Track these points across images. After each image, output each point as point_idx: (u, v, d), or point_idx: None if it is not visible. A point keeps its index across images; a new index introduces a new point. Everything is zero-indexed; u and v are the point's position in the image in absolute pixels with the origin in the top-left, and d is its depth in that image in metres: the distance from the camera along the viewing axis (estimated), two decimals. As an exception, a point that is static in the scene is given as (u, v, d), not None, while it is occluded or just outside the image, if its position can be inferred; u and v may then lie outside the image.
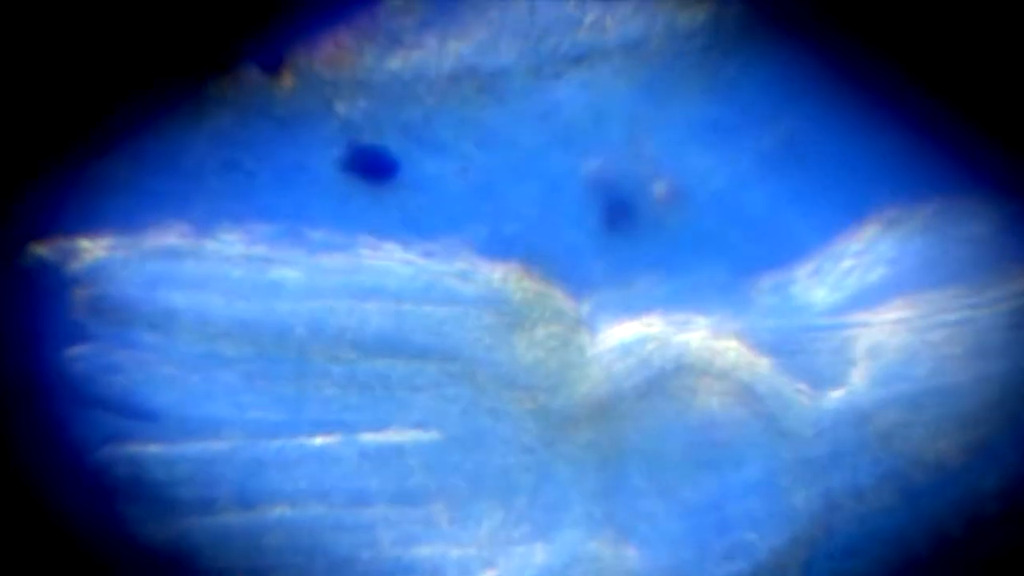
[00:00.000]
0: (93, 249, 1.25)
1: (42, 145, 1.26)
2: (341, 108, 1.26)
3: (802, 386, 1.26)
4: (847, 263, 1.28)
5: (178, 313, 1.24)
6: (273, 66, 1.26)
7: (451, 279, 1.26)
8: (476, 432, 1.26)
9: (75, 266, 1.25)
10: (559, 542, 1.26)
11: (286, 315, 1.25)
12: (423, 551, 1.25)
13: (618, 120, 1.27)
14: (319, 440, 1.25)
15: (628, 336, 1.27)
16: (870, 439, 1.25)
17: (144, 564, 1.23)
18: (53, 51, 1.27)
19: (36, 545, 1.25)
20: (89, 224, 1.25)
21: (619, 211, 1.28)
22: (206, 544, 1.24)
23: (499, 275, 1.27)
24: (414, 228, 1.27)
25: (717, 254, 1.28)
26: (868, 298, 1.27)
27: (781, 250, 1.28)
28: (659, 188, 1.27)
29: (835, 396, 1.26)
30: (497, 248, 1.27)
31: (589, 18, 1.26)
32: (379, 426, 1.25)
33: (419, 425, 1.26)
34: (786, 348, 1.27)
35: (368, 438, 1.25)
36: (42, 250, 1.25)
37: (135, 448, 1.24)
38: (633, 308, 1.28)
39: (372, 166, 1.27)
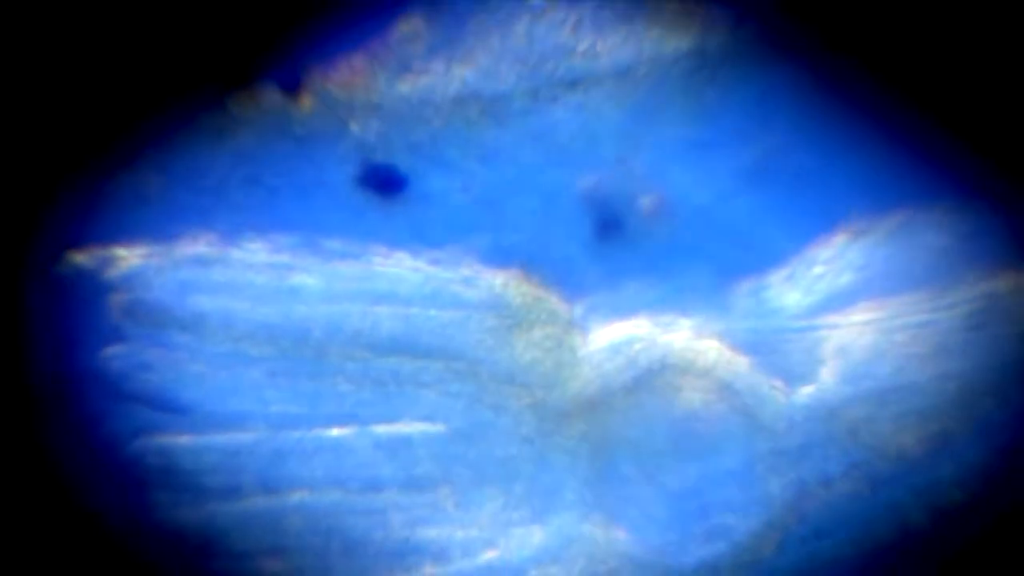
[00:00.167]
0: (129, 257, 1.26)
1: (77, 161, 1.28)
2: (355, 128, 1.28)
3: (777, 383, 1.28)
4: (818, 269, 1.29)
5: (206, 316, 1.26)
6: (293, 89, 1.27)
7: (456, 285, 1.28)
8: (478, 425, 1.28)
9: (112, 273, 1.26)
10: (555, 524, 1.27)
11: (305, 318, 1.26)
12: (430, 533, 1.26)
13: (609, 140, 1.29)
14: (335, 432, 1.26)
15: (617, 337, 1.29)
16: (838, 432, 1.27)
17: (174, 545, 1.25)
18: (93, 78, 1.28)
19: (76, 527, 1.27)
20: (125, 235, 1.27)
21: (610, 223, 1.30)
22: (232, 527, 1.26)
23: (500, 281, 1.29)
24: (422, 238, 1.29)
25: (699, 261, 1.30)
26: (838, 302, 1.29)
27: (758, 258, 1.30)
28: (646, 202, 1.29)
29: (807, 392, 1.28)
30: (498, 257, 1.29)
31: (583, 46, 1.26)
32: (390, 419, 1.27)
33: (426, 418, 1.27)
34: (762, 348, 1.28)
35: (380, 430, 1.27)
36: (81, 258, 1.26)
37: (166, 439, 1.26)
38: (622, 311, 1.30)
39: (384, 182, 1.29)
